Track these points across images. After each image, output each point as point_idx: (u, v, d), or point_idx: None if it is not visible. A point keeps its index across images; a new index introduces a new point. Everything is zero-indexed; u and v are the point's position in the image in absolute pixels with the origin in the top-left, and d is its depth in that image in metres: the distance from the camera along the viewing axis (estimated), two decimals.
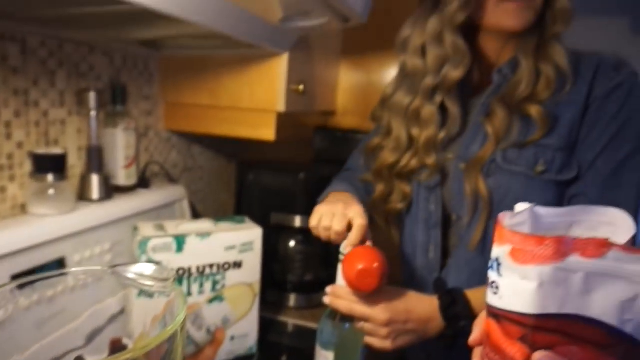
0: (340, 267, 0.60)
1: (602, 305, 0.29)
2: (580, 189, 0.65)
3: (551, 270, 0.29)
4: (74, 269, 0.36)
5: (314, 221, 0.69)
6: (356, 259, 0.57)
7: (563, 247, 0.29)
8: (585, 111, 0.65)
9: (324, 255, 1.08)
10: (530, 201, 0.67)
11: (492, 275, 0.33)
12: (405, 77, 0.75)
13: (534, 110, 0.65)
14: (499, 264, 0.32)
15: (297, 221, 1.04)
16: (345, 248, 0.63)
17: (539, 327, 0.30)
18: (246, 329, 0.81)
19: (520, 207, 0.34)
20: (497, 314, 0.33)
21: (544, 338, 0.30)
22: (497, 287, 0.32)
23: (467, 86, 0.74)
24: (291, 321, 0.99)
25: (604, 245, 0.29)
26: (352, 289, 0.59)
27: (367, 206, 0.75)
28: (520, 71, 0.67)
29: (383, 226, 0.83)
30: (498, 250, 0.32)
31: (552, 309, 0.30)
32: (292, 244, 1.06)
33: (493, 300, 0.33)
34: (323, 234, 0.68)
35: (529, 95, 0.66)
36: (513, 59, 0.69)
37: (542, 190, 0.65)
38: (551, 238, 0.29)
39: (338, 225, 0.65)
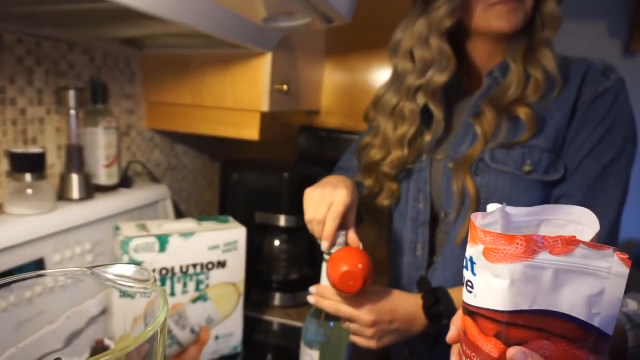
0: (325, 267, 0.60)
1: (571, 300, 0.30)
2: (566, 190, 0.66)
3: (522, 268, 0.30)
4: (52, 270, 0.36)
5: (305, 210, 0.67)
6: (340, 261, 0.57)
7: (533, 245, 0.30)
8: (573, 115, 0.67)
9: (308, 254, 1.09)
10: (516, 200, 0.69)
11: (466, 274, 0.34)
12: (397, 79, 0.77)
13: (523, 112, 0.66)
14: (473, 263, 0.33)
15: (282, 220, 1.04)
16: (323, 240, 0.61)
17: (513, 323, 0.31)
18: (231, 329, 0.81)
19: (492, 207, 0.35)
20: (472, 312, 0.33)
21: (517, 333, 0.31)
22: (471, 286, 0.33)
23: (457, 89, 0.76)
24: (276, 320, 0.99)
25: (572, 243, 0.30)
26: (336, 290, 0.59)
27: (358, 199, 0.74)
28: (510, 75, 0.68)
29: (372, 223, 0.84)
30: (471, 250, 0.33)
31: (524, 306, 0.31)
32: (276, 243, 1.06)
33: (468, 298, 0.34)
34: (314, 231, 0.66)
35: (518, 97, 0.68)
36: (503, 63, 0.70)
37: (528, 190, 0.67)
38: (521, 237, 0.30)
39: (318, 214, 0.63)
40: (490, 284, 0.32)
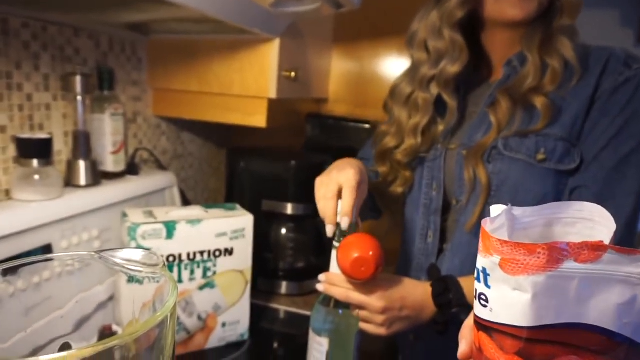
0: (334, 254, 0.59)
1: (599, 310, 0.28)
2: (582, 181, 0.65)
3: (545, 279, 0.28)
4: (59, 254, 0.35)
5: (315, 193, 0.67)
6: (352, 247, 0.56)
7: (556, 253, 0.27)
8: (591, 104, 0.66)
9: (315, 243, 1.08)
10: (528, 188, 0.67)
11: (478, 286, 0.31)
12: (413, 69, 0.78)
13: (539, 101, 0.66)
14: (486, 275, 0.30)
15: (289, 208, 1.03)
16: (339, 217, 0.61)
17: (536, 339, 0.29)
18: (238, 316, 0.81)
19: (496, 208, 0.33)
20: (488, 327, 0.31)
21: (542, 349, 0.29)
22: (485, 299, 0.31)
23: (476, 78, 0.76)
24: (283, 308, 0.99)
25: (599, 249, 0.27)
26: (347, 277, 0.58)
27: (371, 186, 0.76)
28: (528, 65, 0.68)
29: (386, 211, 0.86)
30: (485, 261, 0.30)
31: (548, 320, 0.28)
32: (283, 231, 1.06)
33: (482, 313, 0.31)
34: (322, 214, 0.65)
35: (535, 87, 0.67)
36: (521, 52, 0.70)
37: (541, 178, 0.66)
38: (543, 245, 0.28)
39: (329, 192, 0.63)
40: (508, 298, 0.29)
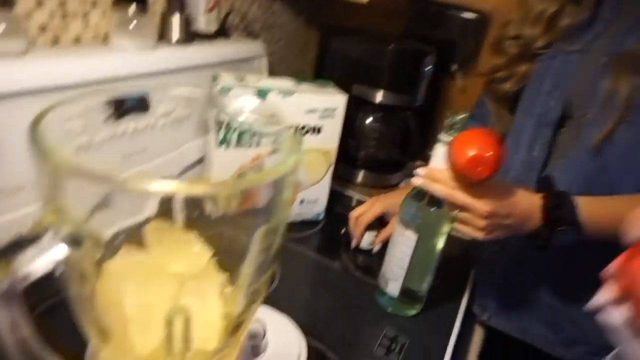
0: (441, 148, 0.53)
1: None
2: None
3: None
4: (167, 90, 0.32)
5: None
6: (469, 143, 0.49)
7: None
8: None
9: (400, 137, 1.02)
10: None
11: None
12: None
13: None
14: None
15: (379, 96, 0.96)
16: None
17: None
18: (316, 195, 0.80)
19: None
20: None
21: None
22: None
23: None
24: (358, 196, 0.97)
25: None
26: (456, 175, 0.52)
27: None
28: None
29: (493, 109, 0.78)
30: None
31: None
32: (369, 120, 1.00)
33: None
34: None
35: None
36: None
37: None
38: None
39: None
40: None
